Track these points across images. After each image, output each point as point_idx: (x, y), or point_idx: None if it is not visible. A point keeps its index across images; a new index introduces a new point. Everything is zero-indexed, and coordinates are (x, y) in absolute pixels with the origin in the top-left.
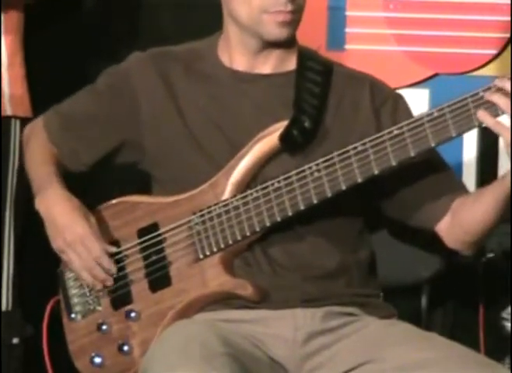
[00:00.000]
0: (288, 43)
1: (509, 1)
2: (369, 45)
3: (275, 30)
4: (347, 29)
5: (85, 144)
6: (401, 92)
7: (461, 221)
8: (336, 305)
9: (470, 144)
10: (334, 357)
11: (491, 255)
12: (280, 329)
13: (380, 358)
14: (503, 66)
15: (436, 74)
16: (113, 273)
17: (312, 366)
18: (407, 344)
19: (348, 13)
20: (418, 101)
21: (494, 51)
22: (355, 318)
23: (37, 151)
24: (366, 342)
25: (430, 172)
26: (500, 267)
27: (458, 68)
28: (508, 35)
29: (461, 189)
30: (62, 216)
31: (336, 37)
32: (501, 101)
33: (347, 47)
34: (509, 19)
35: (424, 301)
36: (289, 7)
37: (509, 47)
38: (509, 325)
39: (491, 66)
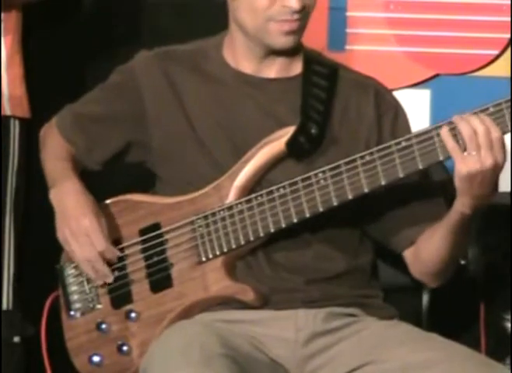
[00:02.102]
0: (293, 49)
1: (509, 2)
2: (370, 45)
3: (280, 39)
4: (348, 30)
5: (96, 142)
6: (402, 92)
7: (420, 253)
8: (337, 306)
9: None
10: (336, 358)
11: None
12: (281, 329)
13: (382, 359)
14: (503, 66)
15: (437, 75)
16: (114, 260)
17: (313, 367)
18: (408, 345)
19: (348, 14)
20: (419, 102)
21: (495, 52)
22: (356, 319)
23: (54, 148)
24: (368, 343)
25: (411, 198)
26: (501, 268)
27: (459, 69)
28: (509, 35)
29: (435, 220)
30: (73, 207)
31: (337, 38)
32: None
33: (348, 47)
34: (509, 19)
35: (425, 301)
36: (296, 16)
37: (509, 48)
38: (509, 325)
39: (492, 66)
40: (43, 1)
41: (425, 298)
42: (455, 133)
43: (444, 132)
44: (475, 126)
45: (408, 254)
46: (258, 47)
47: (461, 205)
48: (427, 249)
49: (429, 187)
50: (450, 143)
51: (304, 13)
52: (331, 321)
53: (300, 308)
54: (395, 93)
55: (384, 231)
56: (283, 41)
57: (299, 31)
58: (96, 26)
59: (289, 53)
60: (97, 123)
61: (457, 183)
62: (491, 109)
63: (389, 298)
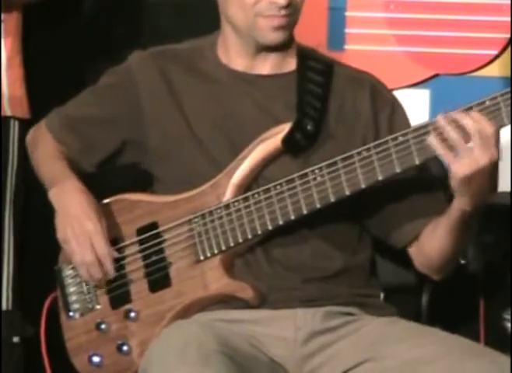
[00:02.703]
0: (286, 45)
1: (509, 2)
2: (370, 45)
3: (270, 35)
4: (347, 30)
5: (91, 145)
6: (402, 92)
7: (423, 248)
8: (336, 305)
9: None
10: (335, 357)
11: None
12: (280, 329)
13: (381, 356)
14: (503, 66)
15: (436, 75)
16: (111, 277)
17: (312, 366)
18: (407, 341)
19: (348, 13)
20: (418, 101)
21: (495, 52)
22: (355, 317)
23: (47, 149)
24: (367, 340)
25: (412, 192)
26: (500, 267)
27: (459, 69)
28: (508, 35)
29: (437, 214)
30: (75, 207)
31: (336, 37)
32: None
33: (347, 47)
34: (509, 19)
35: (424, 301)
36: (283, 11)
37: (509, 48)
38: (509, 325)
39: (491, 66)
40: (43, 3)
41: (424, 298)
42: (444, 137)
43: (432, 139)
44: (467, 127)
45: (412, 248)
46: (249, 43)
47: (461, 203)
48: (430, 244)
49: (429, 181)
50: (439, 149)
51: (293, 8)
52: (330, 320)
53: (299, 307)
54: (395, 93)
55: (386, 227)
56: (273, 37)
57: (288, 27)
58: (96, 27)
59: (282, 49)
60: (93, 125)
61: (455, 185)
62: (487, 103)
63: (388, 297)
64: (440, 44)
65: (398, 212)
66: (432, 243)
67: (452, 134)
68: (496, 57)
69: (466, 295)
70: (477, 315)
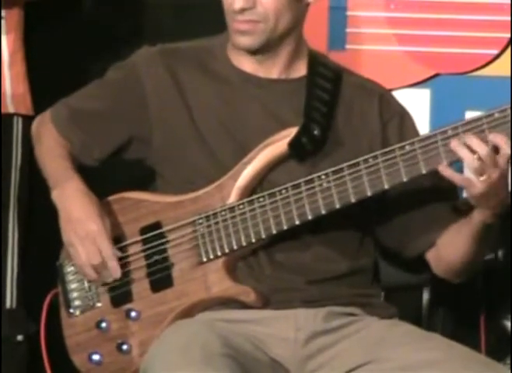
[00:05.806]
0: (296, 51)
1: (509, 1)
2: (371, 45)
3: (235, 38)
4: (348, 29)
5: (94, 139)
6: (402, 92)
7: (442, 256)
8: (337, 306)
9: None
10: (336, 358)
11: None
12: (282, 329)
13: (382, 358)
14: (503, 66)
15: (437, 74)
16: (118, 276)
17: (313, 366)
18: (408, 345)
19: (349, 13)
20: (419, 101)
21: (495, 51)
22: (356, 318)
23: (50, 145)
24: (368, 342)
25: (424, 202)
26: (501, 267)
27: (459, 68)
28: (509, 35)
29: (452, 221)
30: (78, 210)
31: (337, 37)
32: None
33: (348, 46)
34: (509, 18)
35: (425, 300)
36: (240, 17)
37: (509, 47)
38: (509, 325)
39: (492, 66)
40: (44, 0)
41: (425, 297)
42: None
43: (447, 171)
44: (479, 149)
45: (430, 254)
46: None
47: (482, 216)
48: (450, 251)
49: (440, 190)
50: (457, 178)
51: (258, 15)
52: (331, 320)
53: (300, 308)
54: (395, 93)
55: (399, 237)
56: (238, 41)
57: (253, 33)
58: (97, 24)
59: (289, 54)
60: (98, 119)
61: (474, 202)
62: (496, 115)
63: (389, 297)
64: (441, 44)
65: (412, 222)
66: (452, 250)
67: (467, 159)
68: (497, 56)
69: (466, 295)
70: (477, 315)
